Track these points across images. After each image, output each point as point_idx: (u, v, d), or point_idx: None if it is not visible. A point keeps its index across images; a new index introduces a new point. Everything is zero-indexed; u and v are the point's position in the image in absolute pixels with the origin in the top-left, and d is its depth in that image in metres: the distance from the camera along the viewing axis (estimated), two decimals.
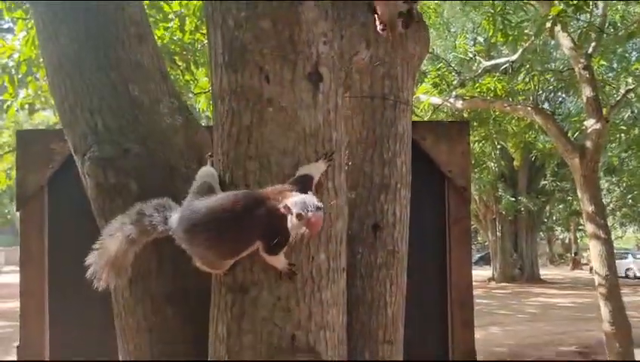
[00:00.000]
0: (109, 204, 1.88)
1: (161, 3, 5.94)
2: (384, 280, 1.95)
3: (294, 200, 1.33)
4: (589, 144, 6.66)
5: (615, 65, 10.72)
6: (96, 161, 1.86)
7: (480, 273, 23.31)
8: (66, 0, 1.97)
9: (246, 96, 1.50)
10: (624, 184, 19.81)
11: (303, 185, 1.40)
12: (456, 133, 2.41)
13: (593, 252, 6.65)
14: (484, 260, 27.97)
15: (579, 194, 6.96)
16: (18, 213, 2.49)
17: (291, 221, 1.33)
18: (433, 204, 2.49)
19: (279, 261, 1.43)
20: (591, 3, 7.76)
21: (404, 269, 2.02)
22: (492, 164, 13.22)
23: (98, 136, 1.89)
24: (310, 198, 1.34)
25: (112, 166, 1.85)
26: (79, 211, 2.18)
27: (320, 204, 1.33)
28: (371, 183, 1.98)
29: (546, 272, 26.29)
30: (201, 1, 5.87)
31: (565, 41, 7.04)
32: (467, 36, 14.34)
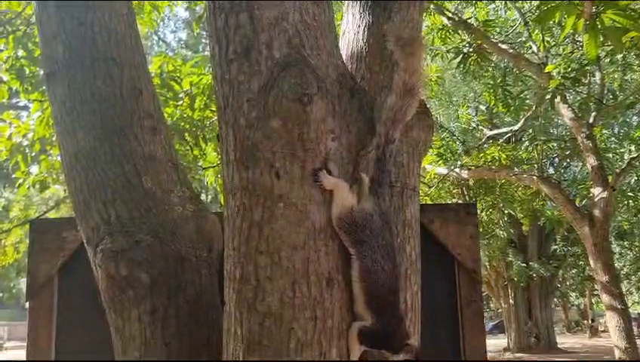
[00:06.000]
0: (119, 296, 1.88)
1: (172, 83, 6.18)
2: None
3: None
4: (597, 213, 6.64)
5: (617, 130, 10.86)
6: (108, 253, 1.88)
7: (495, 342, 22.51)
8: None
9: (257, 193, 1.53)
10: (636, 248, 19.51)
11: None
12: (464, 215, 2.42)
13: (610, 323, 6.47)
14: (499, 328, 27.07)
15: (591, 263, 6.86)
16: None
17: None
18: (444, 287, 2.46)
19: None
20: (589, 74, 7.99)
21: None
22: (500, 232, 13.10)
23: (110, 228, 1.92)
24: None
25: (123, 257, 1.87)
26: (89, 301, 2.18)
27: None
28: None
29: (563, 341, 25.32)
30: (210, 81, 6.10)
31: (566, 112, 7.19)
32: (469, 105, 14.64)
